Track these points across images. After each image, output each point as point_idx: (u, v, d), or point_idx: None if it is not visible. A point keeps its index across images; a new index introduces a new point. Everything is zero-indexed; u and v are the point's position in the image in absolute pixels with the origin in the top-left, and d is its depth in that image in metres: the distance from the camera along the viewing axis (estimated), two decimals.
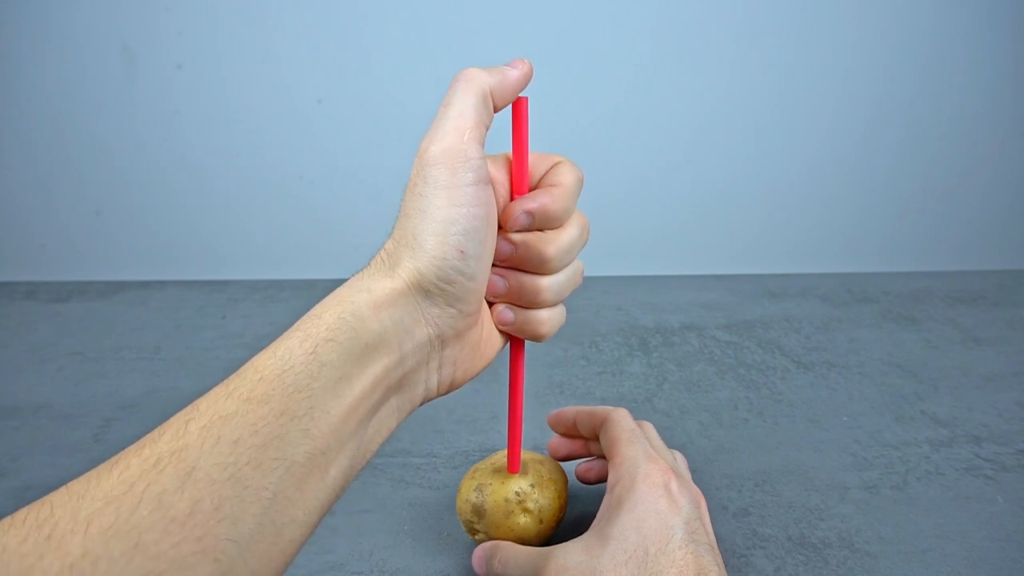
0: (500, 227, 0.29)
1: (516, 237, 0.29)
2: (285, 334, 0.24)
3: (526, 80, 0.29)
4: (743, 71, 0.72)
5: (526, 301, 0.30)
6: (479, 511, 0.37)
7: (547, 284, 0.30)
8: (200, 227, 0.77)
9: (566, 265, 0.31)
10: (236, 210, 0.76)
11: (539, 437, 0.52)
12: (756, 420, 0.54)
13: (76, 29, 0.67)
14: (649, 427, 0.40)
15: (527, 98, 0.29)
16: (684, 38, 0.70)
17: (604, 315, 0.72)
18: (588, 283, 0.82)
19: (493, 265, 0.29)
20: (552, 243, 0.29)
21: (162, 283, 0.79)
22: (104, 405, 0.55)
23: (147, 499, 0.19)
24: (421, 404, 0.28)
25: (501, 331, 0.32)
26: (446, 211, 0.26)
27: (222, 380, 0.23)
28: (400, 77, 0.70)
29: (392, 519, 0.43)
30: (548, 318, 0.31)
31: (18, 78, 0.69)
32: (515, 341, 0.33)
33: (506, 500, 0.37)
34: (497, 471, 0.38)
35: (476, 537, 0.39)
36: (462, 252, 0.26)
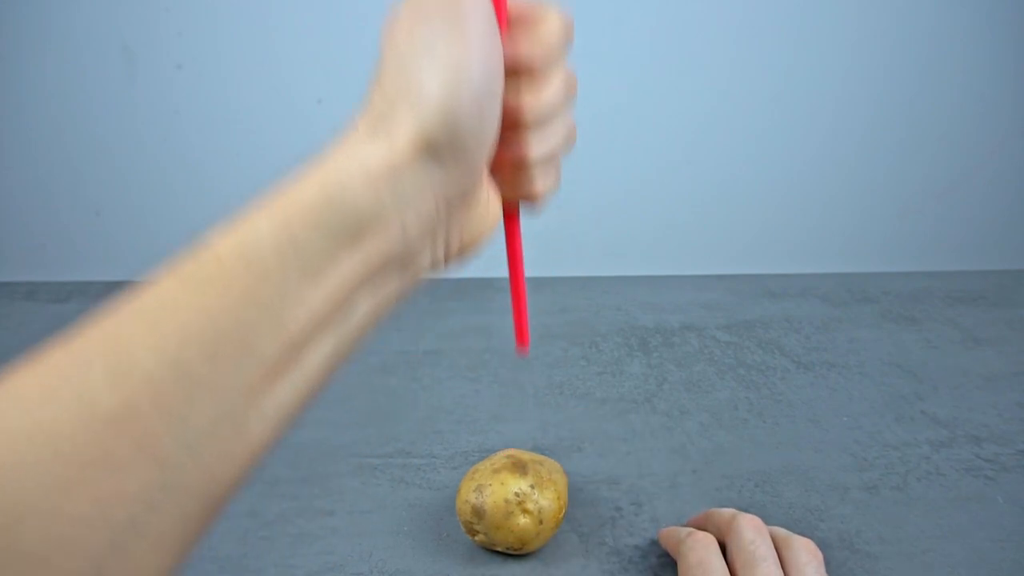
0: None
1: None
2: (252, 211, 0.21)
3: None
4: (743, 71, 0.72)
5: (511, 164, 0.27)
6: (479, 512, 0.37)
7: (533, 142, 0.26)
8: (200, 227, 0.77)
9: (551, 124, 0.26)
10: (236, 210, 0.76)
11: (539, 437, 0.52)
12: (756, 420, 0.54)
13: (76, 29, 0.67)
14: (770, 535, 0.36)
15: None
16: (684, 38, 0.70)
17: (604, 315, 0.72)
18: (588, 283, 0.82)
19: None
20: (532, 102, 0.25)
21: None
22: None
23: (69, 397, 0.17)
24: (426, 276, 0.25)
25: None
26: (458, 56, 0.21)
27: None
28: None
29: (392, 519, 0.43)
30: (539, 180, 0.27)
31: (18, 78, 0.69)
32: (508, 206, 0.30)
33: (506, 501, 0.37)
34: (497, 472, 0.38)
35: (476, 538, 0.39)
36: (479, 106, 0.22)
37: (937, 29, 0.72)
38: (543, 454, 0.50)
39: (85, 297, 0.75)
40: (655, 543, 0.42)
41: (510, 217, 0.30)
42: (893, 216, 0.82)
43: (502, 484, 0.37)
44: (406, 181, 0.22)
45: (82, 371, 0.17)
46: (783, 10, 0.69)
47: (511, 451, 0.41)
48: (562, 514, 0.39)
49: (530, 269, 0.81)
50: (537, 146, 0.26)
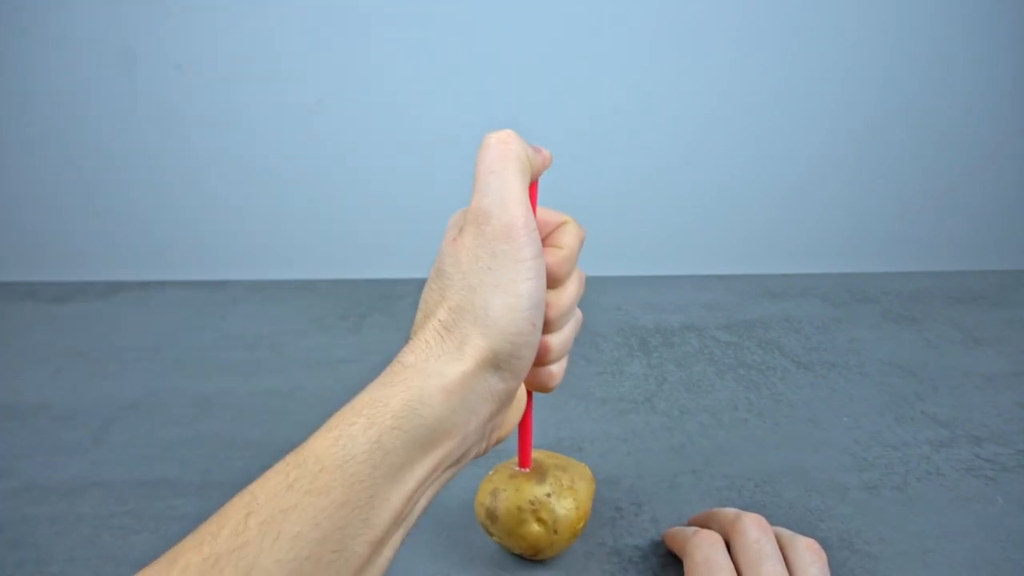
0: None
1: None
2: (346, 416, 0.24)
3: (549, 165, 0.30)
4: (743, 71, 0.72)
5: (535, 360, 0.30)
6: (492, 516, 0.37)
7: (553, 342, 0.29)
8: (200, 227, 0.77)
9: (568, 321, 0.31)
10: (236, 210, 0.76)
11: (539, 437, 0.52)
12: (756, 420, 0.54)
13: (76, 29, 0.67)
14: (776, 535, 0.37)
15: (537, 182, 0.30)
16: (684, 38, 0.70)
17: (604, 315, 0.72)
18: (588, 283, 0.82)
19: None
20: (554, 305, 0.29)
21: (162, 283, 0.79)
22: (104, 405, 0.55)
23: None
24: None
25: None
26: (518, 285, 0.25)
27: (276, 464, 0.23)
28: (400, 77, 0.70)
29: None
30: (556, 372, 0.31)
31: (18, 78, 0.69)
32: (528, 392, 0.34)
33: (519, 509, 0.36)
34: (514, 476, 0.37)
35: (493, 539, 0.39)
36: (534, 325, 0.26)
37: (937, 29, 0.72)
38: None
39: (85, 297, 0.75)
40: (655, 543, 0.42)
41: (527, 399, 0.34)
42: (893, 216, 0.82)
43: (517, 491, 0.36)
44: (473, 391, 0.25)
45: (216, 575, 0.19)
46: (783, 10, 0.69)
47: (537, 453, 0.40)
48: (582, 524, 0.38)
49: None
50: (557, 340, 0.30)
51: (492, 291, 0.25)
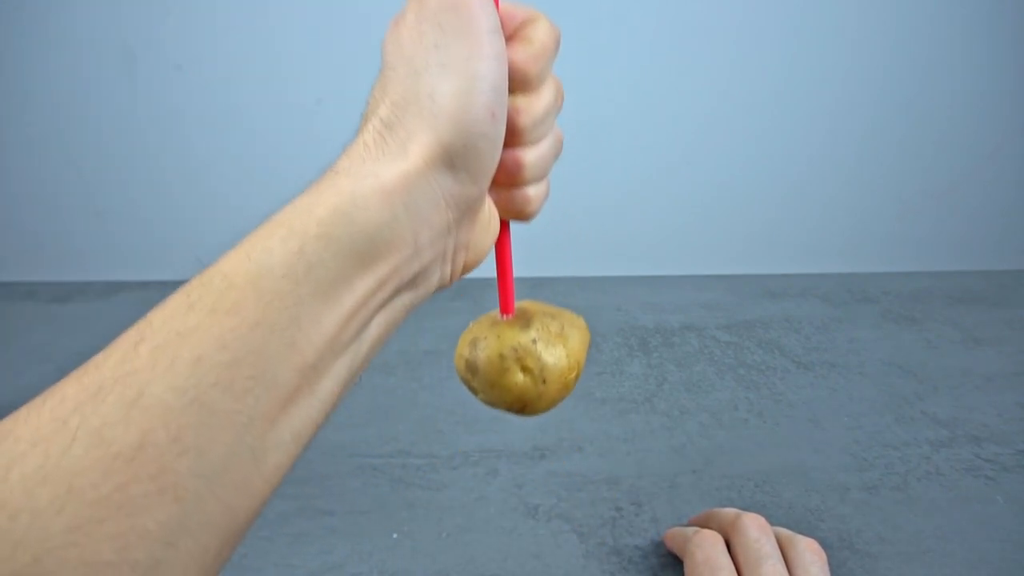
0: None
1: None
2: (261, 230, 0.20)
3: None
4: (743, 71, 0.72)
5: (505, 178, 0.25)
6: (472, 368, 0.33)
7: (526, 158, 0.25)
8: (200, 227, 0.77)
9: (544, 135, 0.26)
10: (236, 210, 0.76)
11: (538, 437, 0.52)
12: (756, 420, 0.54)
13: (76, 29, 0.67)
14: (776, 535, 0.36)
15: None
16: (684, 38, 0.70)
17: (604, 315, 0.72)
18: (588, 283, 0.82)
19: None
20: (526, 111, 0.24)
21: (162, 283, 0.79)
22: None
23: (83, 434, 0.16)
24: (433, 292, 0.25)
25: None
26: (472, 63, 0.21)
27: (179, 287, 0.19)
28: None
29: (392, 519, 0.43)
30: (534, 196, 0.27)
31: (18, 78, 0.69)
32: (502, 219, 0.29)
33: (501, 356, 0.32)
34: (496, 323, 0.33)
35: (478, 397, 0.35)
36: (493, 114, 0.21)
37: (937, 29, 0.72)
38: (543, 454, 0.50)
39: (85, 297, 0.75)
40: (655, 543, 0.42)
41: (503, 229, 0.29)
42: (893, 216, 0.82)
43: (498, 337, 0.32)
44: (420, 194, 0.21)
45: (96, 405, 0.17)
46: (783, 10, 0.69)
47: (526, 301, 0.36)
48: (574, 374, 0.33)
49: (530, 269, 0.81)
50: (531, 155, 0.25)
51: (440, 73, 0.21)
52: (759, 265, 0.83)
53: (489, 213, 0.26)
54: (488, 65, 0.21)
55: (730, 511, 0.38)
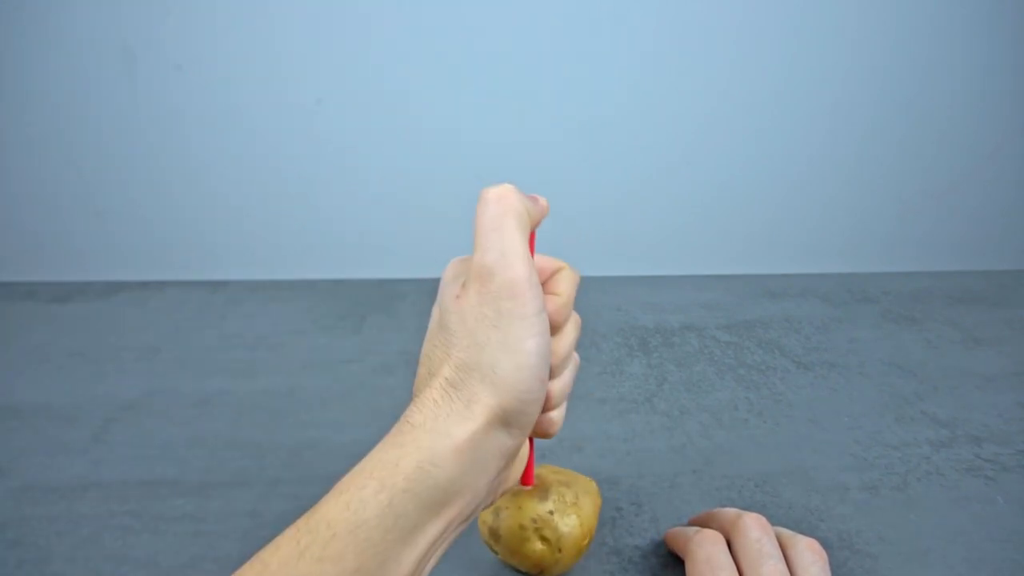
0: None
1: None
2: (356, 479, 0.24)
3: (547, 214, 0.30)
4: (743, 71, 0.72)
5: None
6: (495, 535, 0.36)
7: (554, 389, 0.29)
8: (200, 227, 0.77)
9: (567, 366, 0.31)
10: (236, 210, 0.76)
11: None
12: (756, 420, 0.54)
13: (76, 29, 0.67)
14: (776, 534, 0.37)
15: (535, 232, 0.30)
16: (684, 38, 0.70)
17: (604, 315, 0.72)
18: (588, 283, 0.82)
19: None
20: (554, 352, 0.29)
21: (162, 283, 0.79)
22: (104, 405, 0.55)
23: None
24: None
25: None
26: (525, 342, 0.25)
27: (287, 529, 0.23)
28: (400, 77, 0.70)
29: None
30: (557, 418, 0.31)
31: (18, 78, 0.69)
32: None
33: (521, 527, 0.35)
34: (517, 494, 0.37)
35: (498, 557, 0.38)
36: (541, 381, 0.26)
37: (937, 29, 0.72)
38: (543, 454, 0.50)
39: (85, 297, 0.75)
40: (655, 543, 0.42)
41: (530, 445, 0.33)
42: (893, 216, 0.82)
43: (519, 508, 0.36)
44: (483, 450, 0.25)
45: None
46: (783, 10, 0.69)
47: (541, 468, 0.39)
48: (587, 540, 0.37)
49: None
50: (557, 385, 0.30)
51: (499, 348, 0.25)
52: (759, 265, 0.83)
53: (523, 446, 0.31)
54: (537, 342, 0.26)
55: (731, 511, 0.38)
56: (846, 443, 0.51)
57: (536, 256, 0.30)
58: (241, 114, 0.71)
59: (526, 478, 0.34)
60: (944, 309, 0.73)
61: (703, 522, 0.40)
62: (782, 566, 0.33)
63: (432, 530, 0.24)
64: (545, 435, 0.31)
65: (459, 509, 0.25)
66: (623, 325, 0.70)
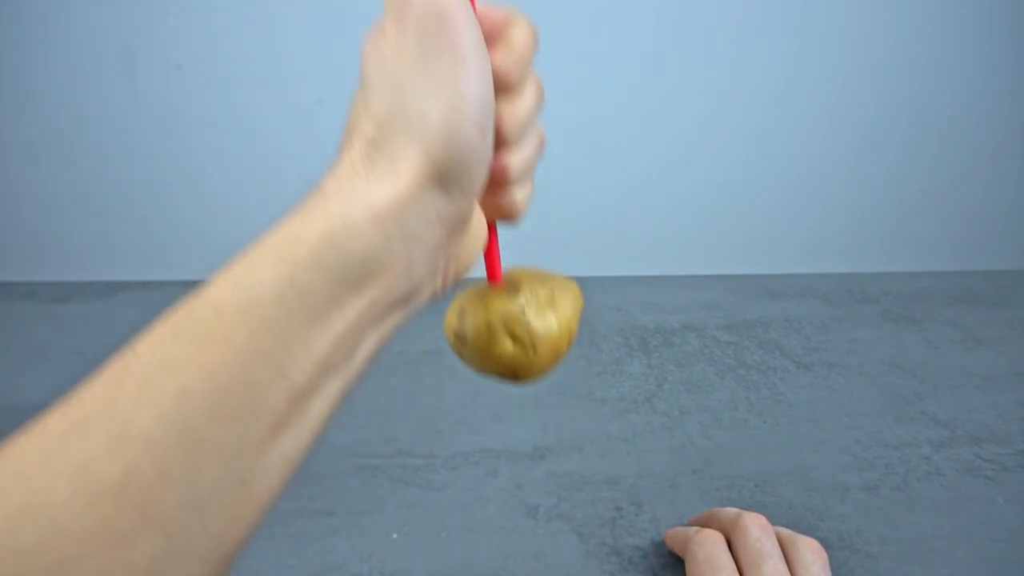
0: None
1: None
2: (249, 256, 0.20)
3: None
4: (743, 71, 0.72)
5: (491, 183, 0.25)
6: (461, 338, 0.32)
7: (511, 161, 0.25)
8: (200, 227, 0.77)
9: (527, 136, 0.26)
10: (236, 210, 0.76)
11: (539, 437, 0.52)
12: (756, 420, 0.54)
13: (76, 29, 0.67)
14: (776, 535, 0.36)
15: None
16: (684, 38, 0.70)
17: (604, 315, 0.72)
18: (588, 283, 0.82)
19: None
20: (509, 115, 0.24)
21: (162, 283, 0.79)
22: None
23: (67, 468, 0.16)
24: (424, 306, 0.25)
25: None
26: (458, 80, 0.21)
27: (166, 314, 0.19)
28: None
29: (392, 519, 0.43)
30: (521, 198, 0.26)
31: (18, 78, 0.69)
32: (489, 223, 0.29)
33: (488, 326, 0.31)
34: (483, 293, 0.32)
35: (469, 366, 0.34)
36: (482, 130, 0.21)
37: (937, 29, 0.72)
38: (543, 455, 0.50)
39: (85, 297, 0.75)
40: (655, 543, 0.42)
41: (491, 233, 0.29)
42: (893, 216, 0.82)
43: (486, 308, 0.31)
44: (413, 215, 0.21)
45: (81, 439, 0.16)
46: (783, 10, 0.69)
47: (516, 268, 0.34)
48: (565, 340, 0.32)
49: None
50: (516, 158, 0.25)
51: (426, 90, 0.21)
52: (759, 265, 0.83)
53: (476, 220, 0.26)
54: (475, 82, 0.21)
55: (731, 511, 0.38)
56: (846, 443, 0.51)
57: (479, 5, 0.24)
58: (241, 114, 0.71)
59: (492, 274, 0.31)
60: (944, 309, 0.73)
61: (703, 522, 0.40)
62: (782, 566, 0.33)
63: (352, 309, 0.20)
64: (507, 217, 0.27)
65: (387, 284, 0.21)
66: (623, 325, 0.70)
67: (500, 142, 0.24)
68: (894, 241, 0.83)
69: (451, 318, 0.33)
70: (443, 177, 0.21)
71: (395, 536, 0.42)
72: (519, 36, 0.24)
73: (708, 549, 0.35)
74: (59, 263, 0.78)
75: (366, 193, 0.20)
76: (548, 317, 0.31)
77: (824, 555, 0.34)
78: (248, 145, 0.73)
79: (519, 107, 0.24)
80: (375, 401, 0.56)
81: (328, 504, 0.44)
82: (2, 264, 0.78)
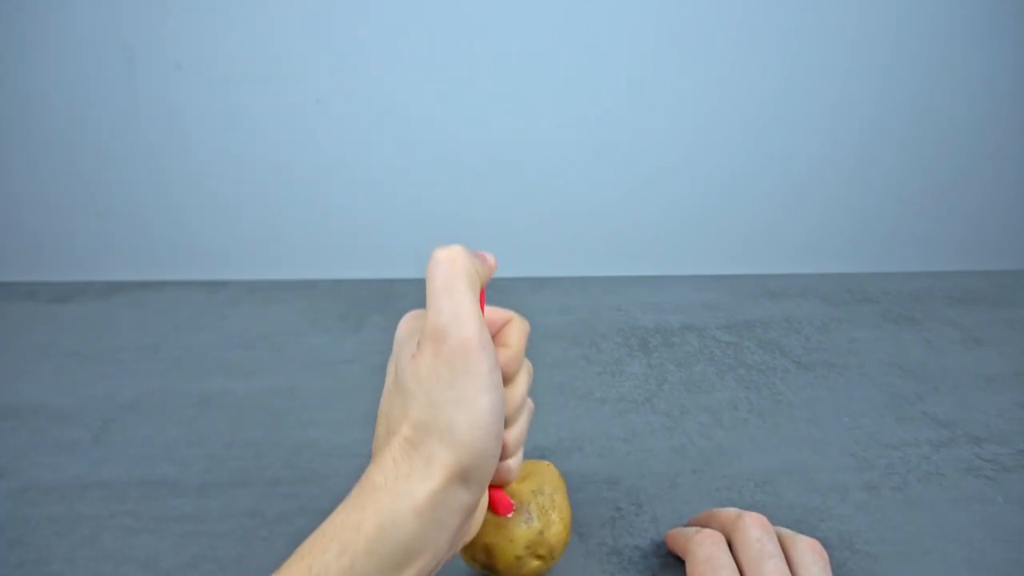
0: None
1: None
2: (318, 542, 0.24)
3: (495, 271, 0.31)
4: (743, 71, 0.72)
5: None
6: (490, 568, 0.36)
7: (509, 438, 0.30)
8: (200, 227, 0.77)
9: (522, 414, 0.32)
10: (236, 210, 0.76)
11: (539, 438, 0.52)
12: (756, 420, 0.54)
13: (76, 29, 0.67)
14: (778, 534, 0.37)
15: (484, 289, 0.31)
16: (683, 38, 0.70)
17: (604, 315, 0.72)
18: (588, 283, 0.82)
19: None
20: (508, 402, 0.30)
21: (162, 283, 0.79)
22: (103, 405, 0.55)
23: None
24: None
25: None
26: (479, 400, 0.26)
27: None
28: (400, 77, 0.70)
29: None
30: (514, 466, 0.32)
31: (18, 78, 0.69)
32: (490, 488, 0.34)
33: (517, 558, 0.35)
34: (500, 525, 0.35)
35: None
36: (497, 437, 0.27)
37: (937, 29, 0.72)
38: (543, 455, 0.50)
39: (85, 297, 0.75)
40: (655, 543, 0.42)
41: (493, 490, 0.34)
42: (893, 216, 0.82)
43: (511, 541, 0.34)
44: (443, 508, 0.26)
45: None
46: (783, 10, 0.69)
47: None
48: (568, 531, 0.37)
49: (530, 269, 0.81)
50: (512, 434, 0.31)
51: (455, 407, 0.26)
52: (759, 265, 0.83)
53: (483, 500, 0.32)
54: (491, 399, 0.26)
55: (731, 511, 0.38)
56: (846, 443, 0.51)
57: (486, 309, 0.31)
58: (241, 114, 0.71)
59: (504, 507, 0.34)
60: (944, 309, 0.73)
61: (703, 522, 0.40)
62: (783, 566, 0.33)
63: None
64: (503, 483, 0.32)
65: (421, 565, 0.26)
66: (623, 325, 0.70)
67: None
68: (894, 241, 0.83)
69: (478, 554, 0.36)
70: (465, 475, 0.26)
71: None
72: (515, 336, 0.31)
73: (708, 549, 0.35)
74: (59, 263, 0.78)
75: (408, 489, 0.25)
76: (556, 523, 0.36)
77: (824, 555, 0.34)
78: (248, 145, 0.73)
79: (515, 393, 0.30)
80: (375, 401, 0.56)
81: (328, 504, 0.44)
82: (2, 264, 0.78)
